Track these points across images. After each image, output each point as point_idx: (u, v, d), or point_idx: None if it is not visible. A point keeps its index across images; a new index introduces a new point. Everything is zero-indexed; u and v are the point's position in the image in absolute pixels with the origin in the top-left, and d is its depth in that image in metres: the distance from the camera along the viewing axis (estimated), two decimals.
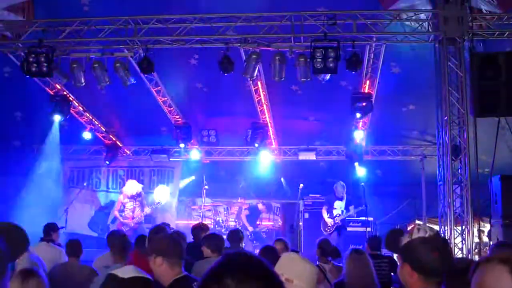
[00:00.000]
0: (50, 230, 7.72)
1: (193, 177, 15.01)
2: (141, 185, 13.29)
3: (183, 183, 15.10)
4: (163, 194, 14.07)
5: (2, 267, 1.81)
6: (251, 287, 1.56)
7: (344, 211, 12.18)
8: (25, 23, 10.55)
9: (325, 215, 12.22)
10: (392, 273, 7.08)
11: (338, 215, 12.10)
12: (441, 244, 2.61)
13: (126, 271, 3.29)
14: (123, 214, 12.50)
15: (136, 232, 11.31)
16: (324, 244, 7.67)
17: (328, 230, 12.01)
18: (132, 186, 12.81)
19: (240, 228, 10.94)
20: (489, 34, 9.56)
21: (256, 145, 13.39)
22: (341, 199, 12.25)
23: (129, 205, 12.46)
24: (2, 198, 12.84)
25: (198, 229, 7.81)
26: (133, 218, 12.28)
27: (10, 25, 10.58)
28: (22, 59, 10.29)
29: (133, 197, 12.54)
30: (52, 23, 10.32)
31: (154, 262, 3.79)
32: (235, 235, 7.24)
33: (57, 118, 12.24)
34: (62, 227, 8.71)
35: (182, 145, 13.96)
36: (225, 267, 1.60)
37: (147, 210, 12.64)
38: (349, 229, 12.29)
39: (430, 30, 9.69)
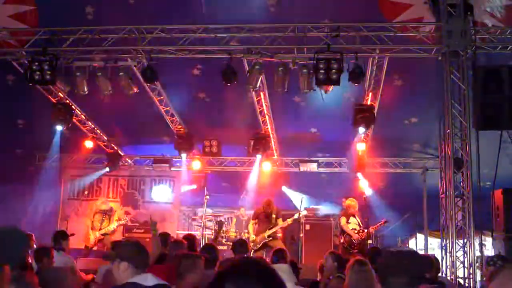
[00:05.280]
0: (60, 238, 7.64)
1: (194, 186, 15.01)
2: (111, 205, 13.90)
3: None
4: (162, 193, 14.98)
5: None
6: None
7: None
8: (29, 31, 10.61)
9: (347, 228, 11.22)
10: None
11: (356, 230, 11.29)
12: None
13: (148, 279, 3.45)
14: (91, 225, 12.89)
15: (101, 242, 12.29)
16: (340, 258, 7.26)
17: (354, 248, 10.98)
18: (104, 202, 13.41)
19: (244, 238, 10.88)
20: (492, 48, 9.59)
21: (258, 155, 13.37)
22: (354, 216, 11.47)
23: (98, 217, 12.75)
24: (2, 205, 12.80)
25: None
26: (100, 229, 12.55)
27: (15, 33, 10.64)
28: (25, 67, 10.32)
29: (103, 211, 12.90)
30: (56, 31, 10.36)
31: (118, 267, 3.78)
32: (240, 245, 7.21)
33: (59, 126, 12.23)
34: (72, 234, 8.66)
35: (183, 155, 13.96)
36: (225, 273, 1.65)
37: (113, 225, 12.91)
38: None
39: (433, 43, 9.71)
